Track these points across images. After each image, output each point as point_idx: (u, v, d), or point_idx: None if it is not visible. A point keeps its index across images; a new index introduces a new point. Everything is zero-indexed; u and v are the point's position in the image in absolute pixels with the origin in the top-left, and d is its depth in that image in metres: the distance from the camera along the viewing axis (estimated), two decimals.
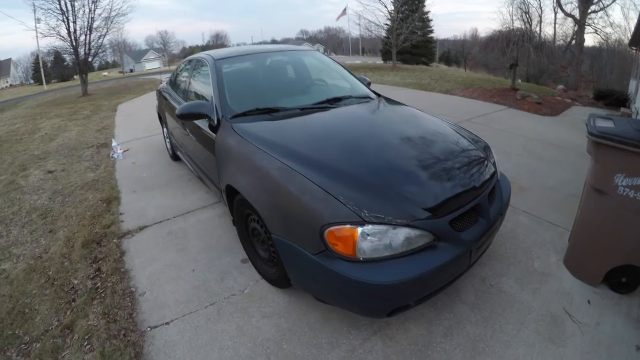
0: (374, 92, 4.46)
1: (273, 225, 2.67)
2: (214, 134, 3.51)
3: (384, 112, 3.88)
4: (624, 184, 2.68)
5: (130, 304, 3.06)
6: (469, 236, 2.49)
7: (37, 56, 46.21)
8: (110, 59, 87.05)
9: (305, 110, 3.56)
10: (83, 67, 20.22)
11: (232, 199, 3.27)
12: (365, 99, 4.13)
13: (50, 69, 61.67)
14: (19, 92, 43.22)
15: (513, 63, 12.69)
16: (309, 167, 2.62)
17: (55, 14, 18.64)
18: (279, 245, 2.64)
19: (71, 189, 5.61)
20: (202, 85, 4.24)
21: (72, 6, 18.64)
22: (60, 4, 18.32)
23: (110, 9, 20.07)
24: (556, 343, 2.58)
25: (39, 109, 16.12)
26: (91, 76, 36.38)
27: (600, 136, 2.70)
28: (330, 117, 3.51)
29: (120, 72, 70.58)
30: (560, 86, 18.55)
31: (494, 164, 3.14)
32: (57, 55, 49.66)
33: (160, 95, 6.28)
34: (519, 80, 19.50)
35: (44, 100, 20.53)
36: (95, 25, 19.67)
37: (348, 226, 2.21)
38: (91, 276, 3.44)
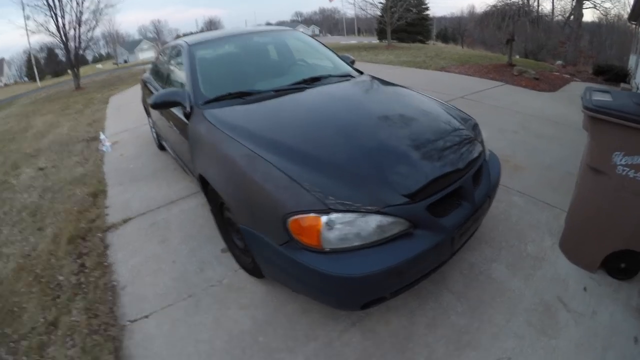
0: (356, 70, 4.25)
1: (240, 215, 2.55)
2: (187, 122, 3.35)
3: (363, 90, 3.68)
4: (623, 162, 2.45)
5: (111, 298, 3.03)
6: (450, 222, 2.30)
7: (30, 54, 45.66)
8: (103, 51, 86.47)
9: (279, 92, 3.37)
10: (74, 61, 20.06)
11: (207, 188, 3.13)
12: (345, 77, 3.92)
13: (44, 65, 61.48)
14: (13, 90, 42.97)
15: (509, 38, 12.39)
16: (275, 152, 2.46)
17: (42, 10, 18.58)
18: (246, 236, 2.53)
19: (60, 185, 5.56)
20: (179, 73, 4.06)
21: (60, 1, 18.51)
22: (47, 0, 18.17)
23: (98, 1, 20.06)
24: (548, 335, 2.40)
25: (32, 107, 16.18)
26: (85, 69, 36.18)
27: (597, 110, 2.47)
28: (305, 98, 3.33)
29: (114, 63, 69.40)
30: (559, 62, 18.24)
31: (482, 142, 2.92)
32: (50, 51, 49.44)
33: (144, 85, 6.08)
34: (517, 56, 19.17)
35: (38, 98, 20.52)
36: (84, 18, 19.59)
37: (312, 215, 2.06)
38: (75, 272, 3.41)
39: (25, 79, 67.38)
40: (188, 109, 3.29)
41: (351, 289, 2.12)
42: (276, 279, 2.65)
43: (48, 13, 18.56)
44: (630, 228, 2.60)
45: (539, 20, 12.11)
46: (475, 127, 3.08)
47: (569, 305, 2.60)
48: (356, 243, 2.06)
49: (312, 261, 2.07)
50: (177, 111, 3.59)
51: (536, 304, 2.62)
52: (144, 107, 6.62)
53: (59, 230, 4.17)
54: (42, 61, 60.92)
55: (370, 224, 2.07)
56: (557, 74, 12.79)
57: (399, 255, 2.08)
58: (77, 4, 18.99)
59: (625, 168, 2.46)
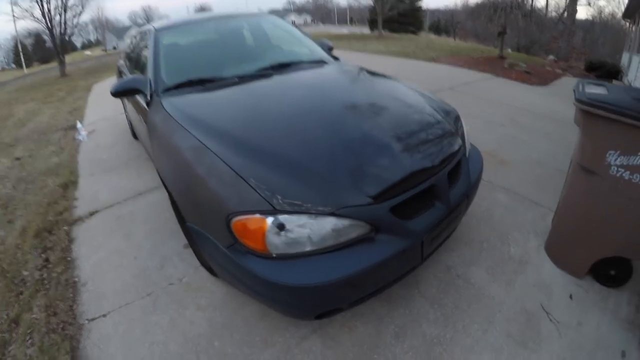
0: (333, 56, 3.99)
1: (187, 211, 2.36)
2: (148, 110, 3.12)
3: (334, 78, 3.41)
4: (618, 163, 2.20)
5: (72, 295, 2.89)
6: (419, 225, 2.04)
7: (17, 40, 44.78)
8: (92, 37, 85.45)
9: (243, 79, 3.12)
10: (60, 47, 19.75)
11: None
12: (318, 63, 3.65)
13: (32, 51, 60.51)
14: None
15: (501, 31, 12.23)
16: (225, 144, 2.23)
17: None
18: (194, 234, 2.30)
19: (34, 176, 5.38)
20: (145, 59, 3.76)
21: None
22: None
23: None
24: (529, 347, 2.17)
25: (16, 94, 15.88)
26: (74, 56, 35.61)
27: (590, 104, 2.21)
28: (270, 85, 3.07)
29: (103, 50, 68.13)
30: (551, 57, 18.05)
31: (462, 136, 2.65)
32: (37, 37, 48.61)
33: (119, 72, 5.79)
34: (509, 50, 19.06)
35: (22, 85, 20.13)
36: (69, 3, 19.38)
37: (257, 216, 1.82)
38: (39, 267, 3.28)
39: (13, 65, 66.17)
40: (148, 97, 3.07)
41: (302, 299, 1.90)
42: (227, 282, 2.43)
43: None
44: (623, 234, 2.36)
45: (531, 14, 11.93)
46: (456, 119, 2.80)
47: (552, 315, 2.38)
48: (308, 248, 1.83)
49: (258, 267, 1.84)
50: (141, 99, 3.35)
51: (517, 313, 2.39)
52: None
53: (27, 223, 4.00)
54: (30, 47, 60.00)
55: (323, 227, 1.83)
56: (549, 69, 12.73)
57: (357, 262, 1.85)
58: None
59: (619, 169, 2.21)
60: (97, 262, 3.22)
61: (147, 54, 3.54)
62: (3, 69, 66.99)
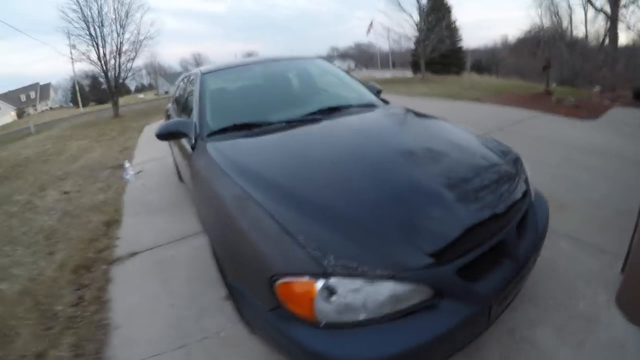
0: (383, 100, 3.88)
1: (226, 266, 2.21)
2: (192, 154, 3.08)
3: (386, 122, 3.25)
4: None
5: (102, 337, 2.83)
6: (487, 287, 1.82)
7: (74, 81, 47.66)
8: (145, 82, 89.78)
9: (291, 124, 3.01)
10: (114, 89, 20.94)
11: None
12: (369, 107, 3.52)
13: (88, 92, 64.18)
14: (57, 114, 45.95)
15: (546, 65, 11.97)
16: (271, 194, 2.06)
17: (85, 39, 19.78)
18: (232, 292, 2.18)
19: (80, 211, 5.56)
20: (191, 103, 3.77)
21: (101, 32, 19.81)
22: (89, 30, 19.54)
23: (138, 33, 21.11)
24: None
25: (70, 131, 16.86)
26: (128, 98, 37.33)
27: None
28: (319, 130, 2.94)
29: (156, 94, 71.96)
30: (597, 87, 17.54)
31: (526, 181, 2.44)
32: (94, 78, 51.51)
33: (167, 115, 5.95)
34: (553, 84, 18.62)
35: (77, 123, 21.45)
36: (123, 49, 20.74)
37: (305, 279, 1.64)
38: (73, 303, 3.26)
39: (70, 104, 70.61)
40: (193, 140, 3.03)
41: None
42: (267, 345, 2.20)
43: (90, 43, 19.75)
44: None
45: (575, 44, 11.63)
46: (517, 161, 2.61)
47: None
48: (361, 317, 1.63)
49: (303, 337, 1.66)
50: (186, 143, 3.30)
51: None
52: None
53: (67, 257, 4.07)
54: (87, 88, 63.68)
55: (381, 292, 1.63)
56: (597, 100, 12.26)
57: (418, 334, 1.63)
58: (118, 34, 20.21)
59: None
60: (131, 306, 3.14)
61: (193, 97, 3.54)
62: (61, 107, 71.78)
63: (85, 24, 19.51)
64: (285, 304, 1.69)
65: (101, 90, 58.33)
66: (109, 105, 23.46)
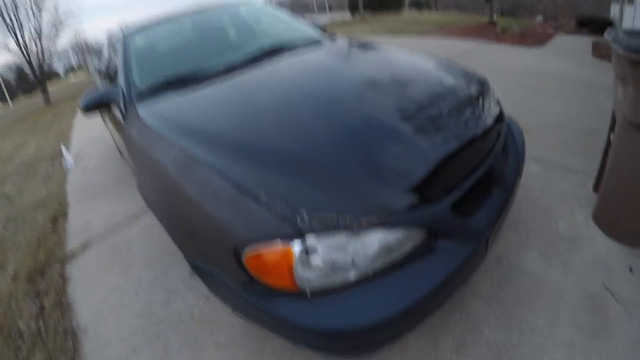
0: (328, 33, 3.59)
1: (183, 245, 1.84)
2: (124, 124, 2.68)
3: (338, 56, 2.92)
4: None
5: (72, 345, 2.50)
6: (482, 221, 1.64)
7: (1, 77, 43.92)
8: (75, 62, 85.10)
9: (230, 71, 2.66)
10: (40, 76, 19.28)
11: None
12: (314, 44, 3.18)
13: (15, 86, 59.91)
14: None
15: None
16: (219, 150, 1.75)
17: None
18: (197, 273, 1.81)
19: (23, 212, 4.99)
20: (116, 68, 3.23)
21: (17, 16, 17.94)
22: (3, 17, 17.61)
23: (56, 11, 19.44)
24: (600, 336, 1.86)
25: (0, 131, 15.33)
26: (59, 84, 34.82)
27: None
28: (262, 74, 2.58)
29: (88, 72, 68.32)
30: (539, 18, 17.71)
31: (498, 103, 2.23)
32: (20, 70, 47.82)
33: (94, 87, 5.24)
34: (496, 16, 18.71)
35: (7, 120, 19.30)
36: (43, 32, 19.02)
37: (277, 244, 1.35)
38: (35, 315, 2.90)
39: None
40: (122, 107, 2.63)
41: (353, 343, 1.46)
42: (248, 321, 1.90)
43: (7, 31, 17.99)
44: None
45: None
46: (485, 84, 2.38)
47: (617, 294, 2.06)
48: (352, 277, 1.40)
49: (287, 311, 1.41)
50: (117, 113, 2.88)
51: (581, 298, 2.07)
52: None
53: (19, 267, 3.62)
54: (13, 83, 59.59)
55: (370, 244, 1.39)
56: (540, 29, 12.35)
57: (420, 284, 1.43)
58: (34, 16, 18.39)
59: None
60: (96, 303, 2.84)
61: (117, 61, 3.08)
62: None
63: None
64: (260, 277, 1.42)
65: (28, 81, 53.89)
66: (38, 95, 21.72)
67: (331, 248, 1.36)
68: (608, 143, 2.68)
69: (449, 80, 2.27)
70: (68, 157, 6.48)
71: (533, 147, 3.61)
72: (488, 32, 10.97)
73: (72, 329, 2.65)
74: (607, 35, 2.28)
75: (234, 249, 1.41)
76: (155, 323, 2.47)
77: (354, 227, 1.37)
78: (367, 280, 1.41)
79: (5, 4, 17.52)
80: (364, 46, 3.11)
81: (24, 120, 15.71)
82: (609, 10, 15.98)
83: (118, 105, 2.69)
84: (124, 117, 2.64)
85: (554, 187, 3.06)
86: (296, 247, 1.33)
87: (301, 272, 1.36)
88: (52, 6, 19.73)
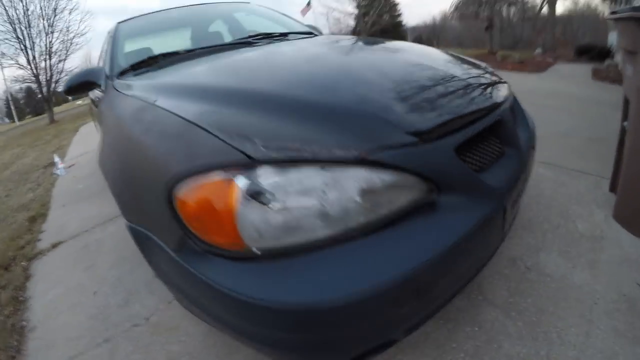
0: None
1: (123, 204, 1.54)
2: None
3: (336, 45, 2.59)
4: None
5: (16, 343, 2.25)
6: (497, 179, 1.30)
7: (8, 95, 44.38)
8: None
9: (216, 49, 2.43)
10: (47, 94, 19.46)
11: None
12: (308, 34, 3.00)
13: (24, 104, 60.96)
14: None
15: (488, 24, 11.85)
16: (180, 96, 1.47)
17: (12, 42, 18.18)
18: (134, 239, 1.48)
19: (7, 213, 4.89)
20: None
21: (29, 32, 18.23)
22: (16, 32, 17.93)
23: (67, 30, 19.60)
24: None
25: (4, 142, 15.73)
26: (66, 106, 35.35)
27: None
28: (251, 51, 2.32)
29: None
30: (538, 50, 17.63)
31: (506, 83, 1.95)
32: (29, 89, 48.70)
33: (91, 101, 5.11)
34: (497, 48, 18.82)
35: (12, 135, 19.80)
36: (54, 49, 19.18)
37: (217, 175, 1.00)
38: None
39: (6, 119, 66.92)
40: (102, 86, 2.41)
41: (319, 331, 1.01)
42: (187, 309, 1.46)
43: (18, 46, 18.24)
44: None
45: (516, 2, 11.64)
46: (492, 72, 2.11)
47: None
48: (321, 232, 0.99)
49: (221, 275, 1.02)
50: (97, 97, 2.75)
51: (616, 301, 1.69)
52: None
53: None
54: (22, 100, 60.69)
55: (346, 187, 1.01)
56: (540, 59, 12.29)
57: (419, 249, 1.03)
58: (46, 34, 18.63)
59: None
60: (52, 300, 2.59)
61: (106, 47, 2.94)
62: None
63: (11, 25, 17.87)
64: (194, 226, 1.06)
65: (37, 101, 55.18)
66: (45, 115, 22.07)
67: (293, 187, 0.99)
68: (622, 134, 2.42)
69: (456, 62, 2.02)
70: (59, 165, 6.53)
71: (541, 154, 3.29)
72: (489, 60, 10.86)
73: (20, 325, 2.42)
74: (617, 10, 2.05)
75: (166, 188, 1.08)
76: (107, 326, 2.15)
77: (323, 159, 1.02)
78: (344, 239, 1.02)
79: (19, 19, 17.85)
80: (369, 39, 2.88)
81: (27, 135, 15.85)
82: (606, 39, 15.96)
83: (100, 86, 2.49)
84: (102, 97, 2.46)
85: (567, 189, 2.74)
86: (241, 181, 0.96)
87: (247, 219, 0.96)
88: (65, 26, 19.93)
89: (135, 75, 2.26)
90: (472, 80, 1.62)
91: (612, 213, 2.28)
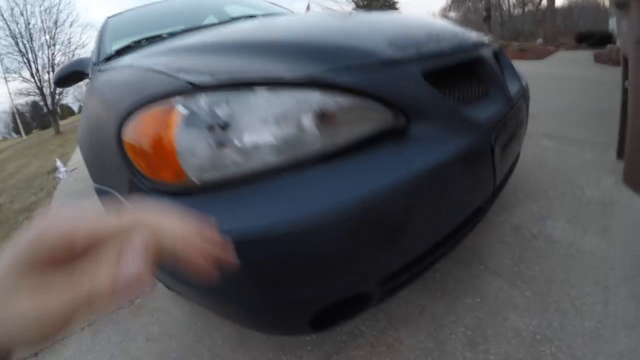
0: None
1: (91, 169, 1.50)
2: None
3: (321, 14, 2.58)
4: None
5: None
6: (479, 113, 1.17)
7: (15, 110, 44.76)
8: None
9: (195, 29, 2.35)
10: (52, 106, 19.61)
11: None
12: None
13: (30, 118, 61.63)
14: None
15: (486, 15, 11.70)
16: (152, 56, 1.42)
17: (15, 56, 18.46)
18: (100, 199, 1.40)
19: (8, 216, 5.04)
20: None
21: (31, 46, 18.47)
22: (18, 46, 18.17)
23: (69, 42, 19.92)
24: None
25: (10, 155, 15.95)
26: (72, 119, 35.70)
27: None
28: (232, 25, 2.20)
29: None
30: (539, 40, 17.43)
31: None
32: (35, 104, 49.16)
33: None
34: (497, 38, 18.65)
35: (19, 147, 20.01)
36: (56, 61, 19.36)
37: (158, 106, 0.90)
38: None
39: (13, 134, 67.39)
40: (90, 73, 2.32)
41: (267, 273, 0.86)
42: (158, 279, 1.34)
43: (21, 59, 18.48)
44: None
45: None
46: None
47: None
48: (268, 160, 0.87)
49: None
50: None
51: (633, 265, 1.50)
52: None
53: None
54: (28, 115, 61.43)
55: (297, 110, 0.89)
56: (541, 47, 12.11)
57: (379, 176, 0.89)
58: (48, 46, 18.85)
59: None
60: None
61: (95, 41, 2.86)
62: (4, 139, 67.92)
63: (14, 39, 18.13)
64: (140, 166, 0.95)
65: (43, 115, 55.87)
66: (51, 129, 22.29)
67: (237, 112, 0.87)
68: (625, 95, 2.31)
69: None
70: (61, 169, 6.67)
71: (543, 128, 3.24)
72: None
73: None
74: None
75: (117, 129, 0.99)
76: None
77: (274, 82, 0.91)
78: (296, 167, 0.88)
79: (21, 33, 18.04)
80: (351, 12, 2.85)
81: (33, 147, 16.00)
82: (607, 26, 15.79)
83: (88, 75, 2.41)
84: (88, 84, 2.36)
85: (572, 157, 2.57)
86: (182, 108, 0.87)
87: (188, 148, 0.85)
88: (66, 39, 20.23)
89: (118, 58, 2.16)
90: (449, 27, 1.56)
91: (622, 179, 2.16)
